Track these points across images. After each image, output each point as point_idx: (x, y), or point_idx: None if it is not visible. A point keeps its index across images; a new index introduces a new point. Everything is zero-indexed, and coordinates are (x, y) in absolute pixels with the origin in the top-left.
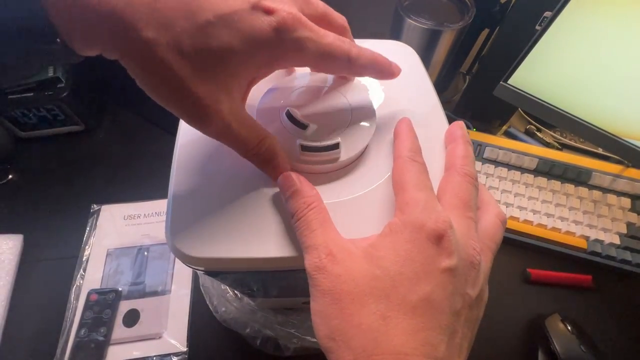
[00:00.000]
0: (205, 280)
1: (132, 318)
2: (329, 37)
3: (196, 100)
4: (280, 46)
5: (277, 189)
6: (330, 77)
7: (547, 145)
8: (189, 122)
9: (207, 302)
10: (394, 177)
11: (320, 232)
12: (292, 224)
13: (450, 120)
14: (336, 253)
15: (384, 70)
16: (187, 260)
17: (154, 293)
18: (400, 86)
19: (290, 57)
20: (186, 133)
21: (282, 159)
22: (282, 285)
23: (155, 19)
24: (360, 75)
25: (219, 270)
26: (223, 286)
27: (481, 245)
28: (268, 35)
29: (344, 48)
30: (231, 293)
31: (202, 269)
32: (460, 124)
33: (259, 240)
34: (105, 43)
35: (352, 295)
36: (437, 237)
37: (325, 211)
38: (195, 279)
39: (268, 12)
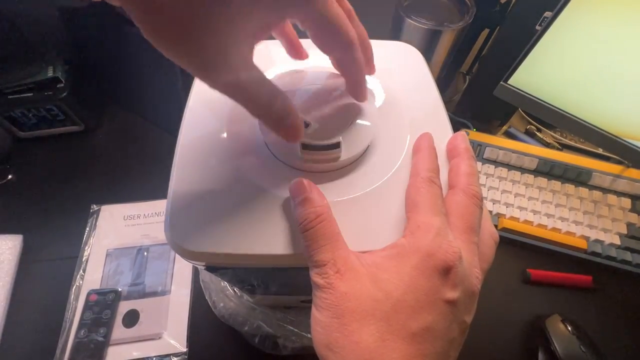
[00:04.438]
0: (205, 276)
1: (131, 318)
2: (340, 10)
3: (202, 47)
4: None
5: (277, 185)
6: (332, 77)
7: (547, 145)
8: (197, 73)
9: (207, 298)
10: (409, 195)
11: (328, 247)
12: (299, 231)
13: (451, 121)
14: (343, 271)
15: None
16: (185, 254)
17: (154, 293)
18: (404, 87)
19: (297, 8)
20: (189, 129)
21: (297, 118)
22: (282, 282)
23: None
24: (348, 67)
25: (218, 265)
26: (223, 283)
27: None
28: None
29: (350, 29)
30: (230, 290)
31: (200, 263)
32: (463, 136)
33: (260, 236)
34: None
35: (355, 313)
36: (446, 268)
37: (335, 223)
38: (195, 278)
39: None
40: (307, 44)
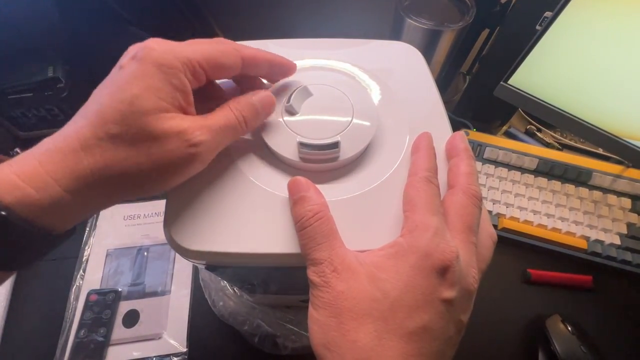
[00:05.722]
0: (205, 275)
1: (131, 318)
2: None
3: (168, 145)
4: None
5: (276, 184)
6: (332, 77)
7: (548, 145)
8: (186, 163)
9: (206, 297)
10: (407, 194)
11: (325, 245)
12: (296, 230)
13: (451, 121)
14: (341, 270)
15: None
16: (184, 253)
17: (154, 293)
18: (404, 87)
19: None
20: None
21: (256, 103)
22: (281, 281)
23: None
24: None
25: (218, 264)
26: (223, 282)
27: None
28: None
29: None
30: (230, 289)
31: (200, 262)
32: (461, 136)
33: (260, 235)
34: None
35: (352, 312)
36: (443, 268)
37: (332, 221)
38: (195, 278)
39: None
40: (307, 44)
